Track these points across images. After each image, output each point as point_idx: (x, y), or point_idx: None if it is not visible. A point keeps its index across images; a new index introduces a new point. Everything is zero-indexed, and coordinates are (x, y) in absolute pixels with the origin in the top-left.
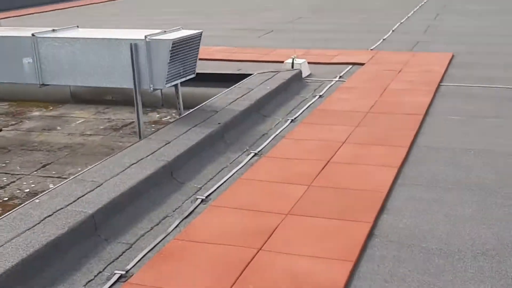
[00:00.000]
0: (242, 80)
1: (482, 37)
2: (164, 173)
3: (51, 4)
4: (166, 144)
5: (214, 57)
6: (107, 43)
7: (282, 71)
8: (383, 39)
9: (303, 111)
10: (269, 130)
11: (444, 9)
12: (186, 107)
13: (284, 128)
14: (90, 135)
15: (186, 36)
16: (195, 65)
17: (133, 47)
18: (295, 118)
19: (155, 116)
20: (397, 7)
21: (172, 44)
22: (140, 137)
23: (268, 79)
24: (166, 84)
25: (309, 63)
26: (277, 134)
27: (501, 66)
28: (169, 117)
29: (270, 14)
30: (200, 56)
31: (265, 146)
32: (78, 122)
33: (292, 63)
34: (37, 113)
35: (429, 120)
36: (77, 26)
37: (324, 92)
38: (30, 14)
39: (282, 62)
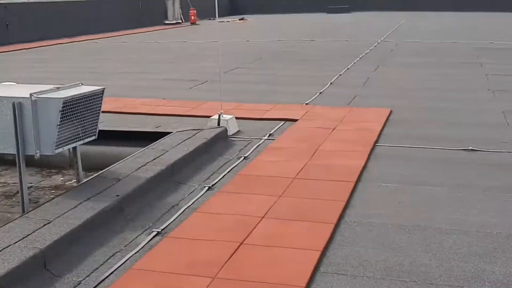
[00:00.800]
0: (160, 138)
1: (421, 91)
2: (35, 264)
3: None
4: (45, 224)
5: (136, 111)
6: None
7: (206, 129)
8: (320, 93)
9: (223, 176)
10: (181, 201)
11: (385, 61)
12: (95, 169)
13: (198, 198)
14: None
15: (82, 94)
16: (96, 126)
17: (16, 106)
18: (213, 185)
19: (58, 179)
20: (337, 58)
21: (63, 103)
22: (23, 211)
23: (188, 138)
24: (55, 149)
25: (238, 118)
26: (189, 206)
27: (439, 124)
28: (74, 180)
29: (208, 64)
30: (122, 109)
31: (172, 222)
32: None
33: (219, 119)
34: None
35: (361, 187)
36: None
37: (250, 153)
38: None
39: (210, 116)
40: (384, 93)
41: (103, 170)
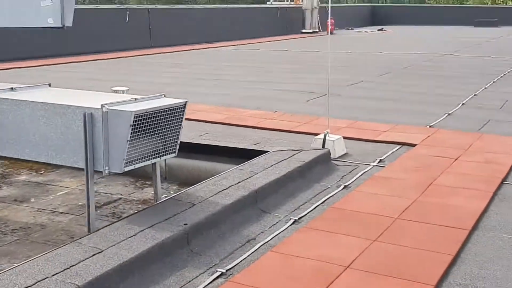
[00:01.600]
0: (256, 156)
1: None
2: None
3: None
4: (95, 254)
5: (243, 123)
6: (58, 110)
7: (306, 149)
8: (448, 114)
9: (315, 207)
10: (259, 235)
11: None
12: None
13: (279, 233)
14: (61, 213)
15: (158, 107)
16: (176, 142)
17: (87, 117)
18: (300, 217)
19: (149, 192)
20: (476, 75)
21: (135, 117)
22: (89, 230)
23: (284, 159)
24: (124, 167)
25: (350, 138)
26: (266, 242)
27: None
28: (165, 195)
29: (333, 75)
30: (230, 120)
31: (242, 260)
32: (59, 193)
33: (324, 139)
34: (23, 177)
35: (476, 238)
36: (49, 84)
37: (353, 181)
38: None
39: (318, 134)
40: None
41: (179, 192)
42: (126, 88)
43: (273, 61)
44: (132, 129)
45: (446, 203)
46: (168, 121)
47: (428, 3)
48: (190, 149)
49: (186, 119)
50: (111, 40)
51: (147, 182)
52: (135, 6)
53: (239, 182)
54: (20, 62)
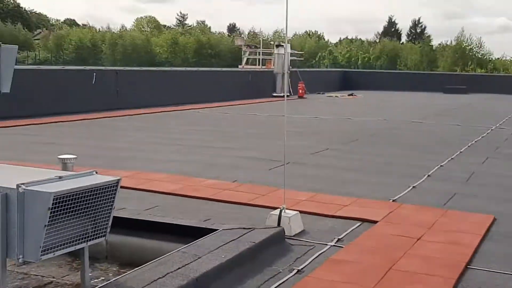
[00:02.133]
0: (203, 235)
1: None
2: None
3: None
4: None
5: (197, 194)
6: None
7: (258, 228)
8: (413, 187)
9: None
10: None
11: (496, 152)
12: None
13: None
14: None
15: (85, 187)
16: (106, 225)
17: (1, 199)
18: None
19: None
20: (443, 145)
21: (54, 199)
22: None
23: (233, 239)
24: (41, 255)
25: (309, 213)
26: None
27: None
28: (102, 278)
29: (299, 142)
30: (184, 191)
31: None
32: None
33: (279, 216)
34: None
35: None
36: None
37: (307, 264)
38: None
39: (275, 208)
40: (490, 194)
41: (106, 283)
42: (74, 156)
43: (240, 125)
44: (51, 212)
45: None
46: (97, 201)
47: (399, 69)
48: (134, 226)
49: (139, 189)
50: (77, 101)
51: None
52: (102, 68)
53: (179, 268)
54: None
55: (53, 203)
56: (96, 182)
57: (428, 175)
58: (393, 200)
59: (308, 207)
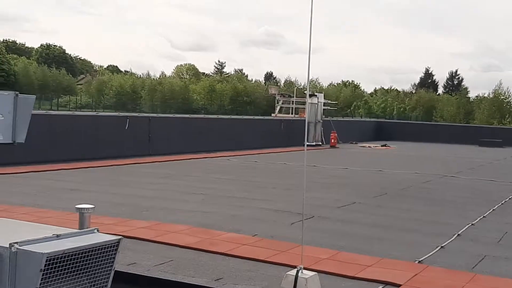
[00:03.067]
0: None
1: None
2: None
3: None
4: None
5: (214, 248)
6: None
7: None
8: (441, 246)
9: None
10: None
11: None
12: None
13: None
14: None
15: (82, 247)
16: (106, 285)
17: None
18: None
19: None
20: (475, 201)
21: (47, 260)
22: None
23: None
24: None
25: (329, 273)
26: None
27: None
28: None
29: (326, 194)
30: (202, 245)
31: None
32: None
33: (296, 277)
34: None
35: None
36: None
37: None
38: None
39: (295, 267)
40: None
41: None
42: (91, 206)
43: (268, 175)
44: (44, 274)
45: None
46: (96, 262)
47: (435, 121)
48: (144, 283)
49: (156, 241)
50: (110, 147)
51: None
52: (135, 114)
53: None
54: (5, 168)
55: (46, 264)
56: (95, 242)
57: (458, 234)
58: (420, 261)
59: (329, 266)
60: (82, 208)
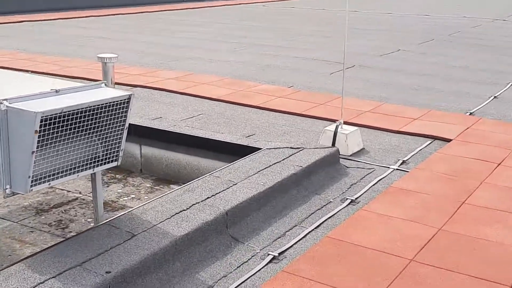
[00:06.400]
0: (243, 155)
1: None
2: None
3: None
4: None
5: (248, 102)
6: None
7: (308, 148)
8: (494, 97)
9: (305, 235)
10: (220, 280)
11: None
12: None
13: (251, 276)
14: None
15: (81, 105)
16: (118, 147)
17: None
18: (280, 253)
19: (115, 191)
20: None
21: (42, 120)
22: None
23: (277, 162)
24: (31, 186)
25: (371, 127)
26: None
27: None
28: (132, 196)
29: (367, 41)
30: (234, 98)
31: None
32: None
33: (335, 133)
34: None
35: None
36: None
37: (363, 193)
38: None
39: (333, 121)
40: None
41: (122, 214)
42: (114, 55)
43: (305, 22)
44: (40, 136)
45: (482, 237)
46: (102, 121)
47: None
48: (171, 139)
49: (185, 93)
50: None
51: (117, 176)
52: None
53: (207, 198)
54: (34, 15)
55: (41, 125)
56: (100, 99)
57: None
58: (471, 113)
59: (371, 120)
60: (104, 57)
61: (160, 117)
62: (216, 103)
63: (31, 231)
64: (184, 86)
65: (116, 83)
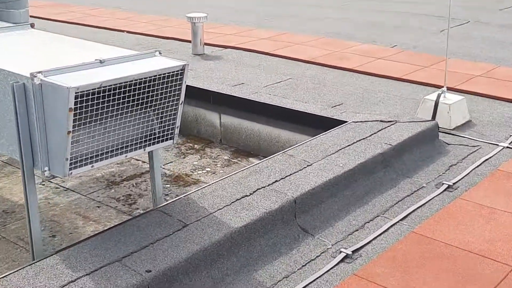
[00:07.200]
0: (327, 128)
1: None
2: None
3: None
4: None
5: (343, 64)
6: None
7: (401, 122)
8: None
9: (387, 228)
10: (282, 281)
11: None
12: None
13: (322, 275)
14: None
15: (129, 77)
16: (174, 123)
17: (16, 90)
18: (357, 250)
19: (191, 163)
20: None
21: (77, 96)
22: (33, 258)
23: (362, 138)
24: (70, 169)
25: (481, 95)
26: None
27: None
28: (207, 169)
29: None
30: (327, 60)
31: None
32: None
33: (436, 103)
34: None
35: None
36: (31, 25)
37: (463, 177)
38: None
39: (438, 87)
40: None
41: (177, 198)
42: (203, 15)
43: None
44: (77, 114)
45: None
46: (154, 95)
47: None
48: (252, 108)
49: (275, 55)
50: None
51: (195, 146)
52: None
53: (275, 181)
54: None
55: (76, 102)
56: (147, 70)
57: None
58: None
59: (482, 86)
60: (193, 17)
61: (243, 83)
62: (308, 65)
63: (98, 206)
64: (277, 46)
65: (206, 44)
